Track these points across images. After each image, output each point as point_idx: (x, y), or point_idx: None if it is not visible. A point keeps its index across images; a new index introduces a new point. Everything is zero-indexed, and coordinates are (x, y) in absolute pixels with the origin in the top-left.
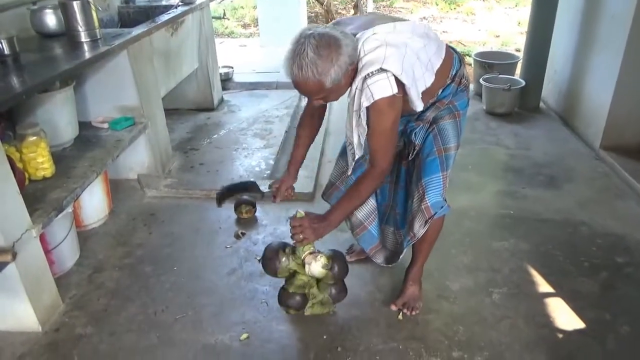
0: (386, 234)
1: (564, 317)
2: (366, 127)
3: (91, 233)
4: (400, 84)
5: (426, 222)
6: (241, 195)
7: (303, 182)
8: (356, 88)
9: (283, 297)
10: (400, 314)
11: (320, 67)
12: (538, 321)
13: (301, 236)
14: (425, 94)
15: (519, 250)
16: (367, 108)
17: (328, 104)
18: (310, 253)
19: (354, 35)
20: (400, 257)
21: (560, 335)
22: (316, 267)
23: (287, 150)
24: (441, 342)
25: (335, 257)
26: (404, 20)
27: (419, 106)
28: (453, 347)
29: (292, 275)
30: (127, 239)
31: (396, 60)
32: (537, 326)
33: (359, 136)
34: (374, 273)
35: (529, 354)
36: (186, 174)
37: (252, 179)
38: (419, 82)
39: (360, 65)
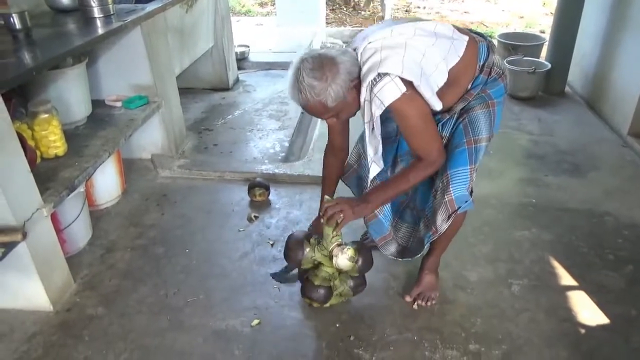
0: (399, 229)
1: (587, 311)
2: (380, 139)
3: (104, 213)
4: (407, 83)
5: (449, 216)
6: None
7: (318, 165)
8: (364, 100)
9: (307, 289)
10: (416, 303)
11: (317, 88)
12: (559, 315)
13: (341, 215)
14: (449, 93)
15: (541, 241)
16: (390, 113)
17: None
18: (338, 245)
19: (355, 49)
20: (418, 255)
21: (583, 331)
22: (343, 259)
23: (303, 132)
24: (457, 334)
25: (361, 250)
26: (426, 20)
27: (436, 105)
28: (470, 339)
29: (316, 266)
30: (140, 219)
31: (394, 61)
32: (558, 320)
33: (375, 149)
34: (389, 260)
35: (549, 348)
36: (200, 155)
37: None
38: (432, 78)
39: (362, 77)
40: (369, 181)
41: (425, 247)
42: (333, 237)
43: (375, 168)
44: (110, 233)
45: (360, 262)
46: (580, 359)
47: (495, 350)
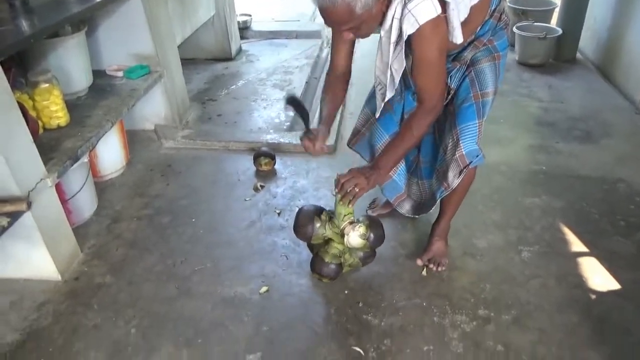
0: (410, 185)
1: (598, 277)
2: (405, 61)
3: (108, 184)
4: (442, 4)
5: (461, 172)
6: (297, 112)
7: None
8: (393, 17)
9: (317, 265)
10: (425, 270)
11: None
12: (570, 281)
13: (357, 189)
14: (463, 32)
15: (552, 208)
16: (409, 37)
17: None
18: (351, 223)
19: None
20: (431, 209)
21: (594, 296)
22: (355, 237)
23: (308, 101)
24: (467, 300)
25: (372, 225)
26: None
27: (458, 37)
28: (479, 305)
29: (326, 242)
30: (145, 190)
31: None
32: (569, 286)
33: (392, 73)
34: (397, 228)
35: (560, 314)
36: (203, 125)
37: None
38: (461, 6)
39: None
40: (379, 108)
41: (437, 200)
42: (346, 214)
43: (390, 92)
44: (115, 203)
45: (371, 239)
46: (591, 325)
47: (505, 315)
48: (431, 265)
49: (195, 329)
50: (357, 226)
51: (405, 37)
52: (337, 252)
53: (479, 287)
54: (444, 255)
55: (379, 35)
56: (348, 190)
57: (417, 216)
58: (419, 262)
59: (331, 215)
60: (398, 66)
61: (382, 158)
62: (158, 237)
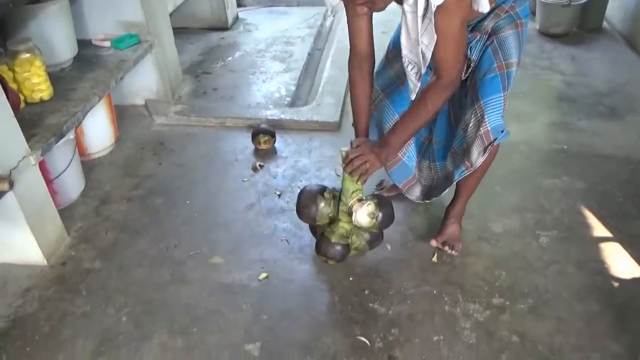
0: (421, 168)
1: (621, 263)
2: (434, 32)
3: (96, 163)
4: None
5: (485, 149)
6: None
7: (328, 110)
8: None
9: (323, 246)
10: (435, 255)
11: None
12: (591, 267)
13: (367, 165)
14: None
15: (573, 189)
16: (438, 9)
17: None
18: (359, 200)
19: None
20: (444, 192)
21: (616, 284)
22: (363, 215)
23: (310, 75)
24: (480, 288)
25: (381, 205)
26: None
27: (485, 5)
28: (493, 293)
29: (332, 222)
30: (135, 169)
31: None
32: (589, 273)
33: (422, 49)
34: (406, 211)
35: (579, 302)
36: (198, 100)
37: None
38: None
39: None
40: (415, 90)
41: (455, 181)
42: (354, 191)
43: (424, 68)
44: (104, 184)
45: (380, 218)
46: (613, 313)
47: (521, 304)
48: (446, 248)
49: (190, 316)
50: (366, 204)
51: (434, 9)
52: (344, 232)
53: (494, 274)
54: (458, 239)
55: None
56: (358, 166)
57: (427, 201)
58: (433, 243)
59: (336, 193)
60: (428, 41)
61: (393, 135)
62: (150, 219)
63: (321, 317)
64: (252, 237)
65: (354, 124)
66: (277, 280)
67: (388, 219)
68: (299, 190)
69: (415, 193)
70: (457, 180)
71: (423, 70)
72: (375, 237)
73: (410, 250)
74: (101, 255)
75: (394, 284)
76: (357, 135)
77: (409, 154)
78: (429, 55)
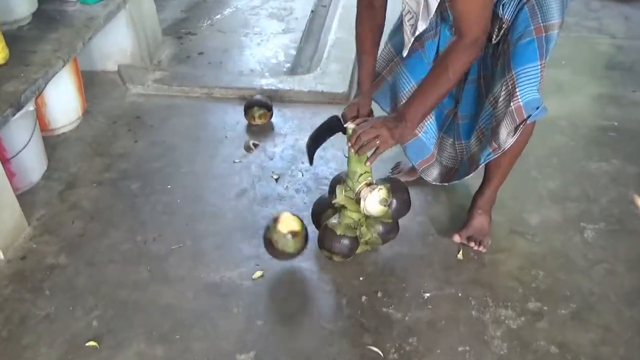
0: (443, 146)
1: None
2: None
3: (61, 139)
4: None
5: (516, 128)
6: (324, 136)
7: (334, 79)
8: None
9: (327, 239)
10: (461, 252)
11: None
12: None
13: (378, 141)
14: None
15: (624, 175)
16: None
17: None
18: (368, 185)
19: None
20: (467, 176)
21: None
22: (373, 202)
23: (314, 37)
24: (513, 290)
25: (395, 190)
26: None
27: None
28: (529, 296)
29: (337, 210)
30: (107, 148)
31: None
32: None
33: None
34: (426, 199)
35: (629, 307)
36: (181, 66)
37: (334, 114)
38: None
39: None
40: (408, 45)
41: (479, 165)
42: (362, 174)
43: (423, 23)
44: (70, 164)
45: (394, 206)
46: None
47: (562, 309)
48: (472, 244)
49: (172, 321)
50: (377, 189)
51: None
52: (352, 223)
53: (530, 273)
54: (486, 234)
55: None
56: (366, 143)
57: (446, 184)
58: (457, 238)
59: (343, 178)
60: None
61: (409, 106)
62: (125, 207)
63: (326, 323)
64: (244, 229)
65: (359, 73)
66: (274, 279)
67: (403, 207)
68: (299, 175)
69: (433, 174)
70: (482, 164)
71: (421, 25)
72: (389, 228)
73: (431, 245)
74: (67, 248)
75: (411, 285)
76: (358, 94)
77: (426, 128)
78: (434, 6)
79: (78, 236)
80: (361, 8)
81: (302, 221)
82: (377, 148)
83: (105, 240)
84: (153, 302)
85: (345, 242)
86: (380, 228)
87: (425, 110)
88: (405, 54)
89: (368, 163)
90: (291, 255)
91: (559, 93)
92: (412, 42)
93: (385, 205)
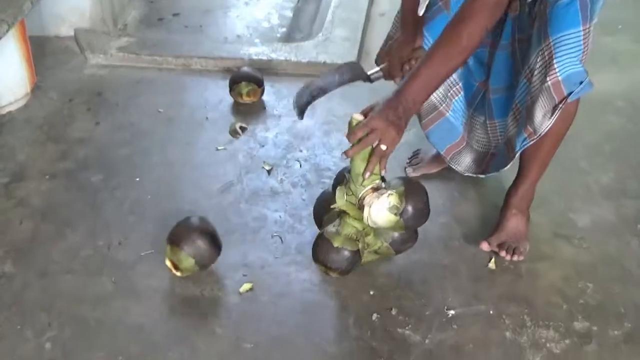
0: (473, 127)
1: None
2: None
3: (5, 120)
4: None
5: (555, 108)
6: (332, 85)
7: (339, 47)
8: None
9: (321, 250)
10: (493, 260)
11: None
12: None
13: (382, 145)
14: None
15: None
16: None
17: None
18: (375, 189)
19: None
20: (507, 166)
21: None
22: (379, 210)
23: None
24: (556, 306)
25: (410, 193)
26: None
27: None
28: (575, 314)
29: (337, 216)
30: (62, 131)
31: None
32: None
33: None
34: (451, 196)
35: None
36: (151, 31)
37: (352, 60)
38: None
39: None
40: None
41: (517, 153)
42: (366, 178)
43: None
44: (17, 152)
45: (409, 214)
46: None
47: (615, 329)
48: (502, 253)
49: (142, 344)
50: (386, 194)
51: None
52: (353, 233)
53: (577, 286)
54: (522, 238)
55: None
56: (364, 142)
57: (482, 176)
58: (485, 246)
59: (347, 176)
60: None
61: (411, 82)
62: (84, 204)
63: (328, 346)
64: (229, 232)
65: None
66: (265, 293)
67: (419, 216)
68: (297, 165)
69: (465, 162)
70: (519, 151)
71: None
72: (405, 237)
73: (456, 251)
74: (14, 255)
75: (432, 301)
76: (401, 22)
77: (454, 106)
78: None
79: (27, 240)
80: None
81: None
82: (377, 148)
83: (61, 245)
84: (118, 320)
85: (344, 255)
86: (392, 236)
87: (431, 88)
88: (421, 12)
89: (383, 171)
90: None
91: (614, 65)
92: None
93: (395, 215)
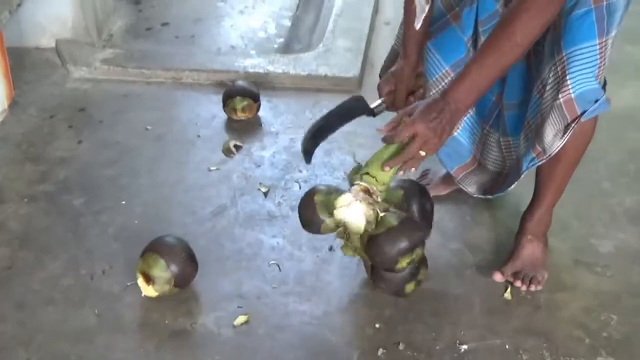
0: (487, 146)
1: None
2: None
3: None
4: None
5: (566, 127)
6: (337, 123)
7: (342, 58)
8: None
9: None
10: (509, 290)
11: None
12: None
13: (422, 151)
14: None
15: None
16: None
17: None
18: (366, 191)
19: None
20: (512, 186)
21: None
22: (355, 215)
23: (314, 3)
24: (578, 340)
25: (410, 196)
26: None
27: None
28: (598, 348)
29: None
30: (42, 150)
31: None
32: None
33: None
34: (463, 220)
35: None
36: (139, 42)
37: (357, 94)
38: None
39: None
40: (421, 16)
41: (522, 174)
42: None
43: None
44: None
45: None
46: None
47: None
48: (518, 283)
49: None
50: (370, 204)
51: None
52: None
53: (599, 319)
54: (540, 266)
55: None
56: (413, 151)
57: (489, 197)
58: (498, 277)
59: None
60: None
61: (460, 83)
62: (65, 230)
63: None
64: (223, 260)
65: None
66: (261, 326)
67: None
68: (295, 187)
69: (476, 184)
70: (524, 172)
71: None
72: (414, 269)
73: (469, 280)
74: None
75: (444, 335)
76: (404, 44)
77: (464, 124)
78: None
79: (4, 268)
80: None
81: None
82: (415, 151)
83: (40, 274)
84: (102, 357)
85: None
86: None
87: (480, 89)
88: (417, 25)
89: (401, 173)
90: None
91: (638, 77)
92: (426, 10)
93: (365, 229)
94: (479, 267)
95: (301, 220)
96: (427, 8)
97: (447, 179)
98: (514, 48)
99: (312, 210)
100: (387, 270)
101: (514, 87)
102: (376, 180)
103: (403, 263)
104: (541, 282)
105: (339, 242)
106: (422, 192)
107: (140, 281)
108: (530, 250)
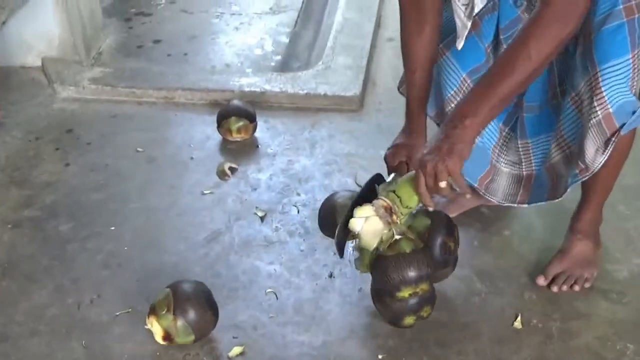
0: (505, 147)
1: None
2: None
3: None
4: None
5: (607, 142)
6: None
7: (342, 77)
8: None
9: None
10: (519, 319)
11: None
12: None
13: (443, 184)
14: None
15: None
16: None
17: None
18: (388, 209)
19: None
20: (557, 198)
21: None
22: (371, 230)
23: (313, 19)
24: None
25: (436, 227)
26: None
27: None
28: None
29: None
30: (27, 174)
31: None
32: None
33: None
34: (470, 245)
35: None
36: (130, 60)
37: (376, 173)
38: None
39: None
40: (462, 38)
41: (568, 189)
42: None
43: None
44: None
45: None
46: None
47: None
48: (564, 287)
49: None
50: (389, 224)
51: None
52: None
53: (615, 348)
54: (590, 265)
55: None
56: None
57: (524, 206)
58: (541, 281)
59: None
60: None
61: (469, 102)
62: (51, 257)
63: None
64: (217, 288)
65: (407, 102)
66: (258, 358)
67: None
68: (294, 211)
69: (500, 190)
70: (570, 187)
71: (479, 4)
72: (425, 294)
73: (477, 309)
74: None
75: None
76: (406, 130)
77: (491, 131)
78: None
79: None
80: (405, 5)
81: None
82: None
83: (24, 304)
84: None
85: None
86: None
87: (493, 108)
88: (460, 46)
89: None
90: None
91: None
92: (469, 27)
93: (377, 248)
94: (487, 294)
95: (319, 220)
96: (469, 24)
97: (453, 202)
98: (527, 64)
99: (331, 212)
100: (387, 295)
101: (537, 89)
102: (400, 201)
103: (405, 293)
104: (589, 280)
105: (353, 255)
106: (449, 228)
107: (160, 333)
108: (580, 248)
